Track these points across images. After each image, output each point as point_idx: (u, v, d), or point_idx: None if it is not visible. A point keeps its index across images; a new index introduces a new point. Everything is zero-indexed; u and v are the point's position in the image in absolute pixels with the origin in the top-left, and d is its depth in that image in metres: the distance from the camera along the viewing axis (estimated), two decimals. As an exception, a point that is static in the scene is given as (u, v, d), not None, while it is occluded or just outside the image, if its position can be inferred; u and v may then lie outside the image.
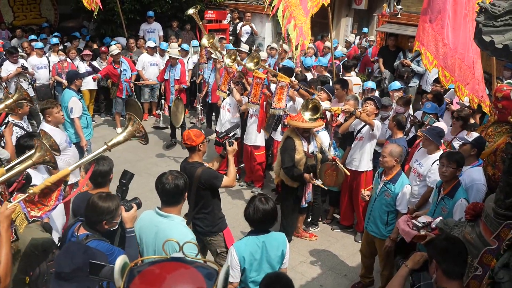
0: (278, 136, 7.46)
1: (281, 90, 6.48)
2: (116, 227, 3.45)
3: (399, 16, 10.14)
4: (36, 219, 2.98)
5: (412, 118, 6.82)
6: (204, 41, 7.05)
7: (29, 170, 3.91)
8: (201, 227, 4.73)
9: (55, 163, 3.18)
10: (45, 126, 5.75)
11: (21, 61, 9.83)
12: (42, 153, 3.02)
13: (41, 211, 2.91)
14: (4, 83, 9.06)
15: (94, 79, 10.33)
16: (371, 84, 7.98)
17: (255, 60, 6.31)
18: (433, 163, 5.32)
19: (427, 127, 5.91)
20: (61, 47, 11.33)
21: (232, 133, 4.99)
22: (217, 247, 4.79)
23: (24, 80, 9.66)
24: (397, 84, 8.07)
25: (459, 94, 5.99)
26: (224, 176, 4.67)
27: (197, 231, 4.66)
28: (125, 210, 3.49)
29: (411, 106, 7.58)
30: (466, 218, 3.64)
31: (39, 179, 4.43)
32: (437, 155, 5.35)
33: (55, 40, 10.90)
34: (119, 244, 3.56)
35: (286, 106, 6.63)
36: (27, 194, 2.83)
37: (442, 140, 6.10)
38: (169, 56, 9.70)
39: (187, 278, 1.64)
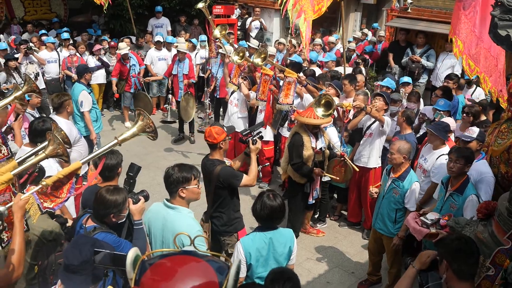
0: (285, 132, 7.45)
1: (288, 86, 6.45)
2: (124, 219, 3.48)
3: (409, 10, 10.06)
4: (48, 210, 3.02)
5: (421, 115, 6.76)
6: (217, 32, 7.02)
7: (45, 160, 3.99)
8: (217, 226, 4.71)
9: (67, 157, 3.20)
10: (60, 120, 5.78)
11: (31, 57, 9.94)
12: (55, 146, 3.05)
13: (53, 203, 2.94)
14: (16, 75, 9.13)
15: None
16: (388, 82, 7.83)
17: (262, 56, 6.29)
18: (437, 158, 5.30)
19: (433, 122, 5.87)
20: (70, 41, 11.38)
21: (257, 131, 4.94)
22: (229, 247, 4.72)
23: (32, 73, 9.74)
24: (407, 79, 7.98)
25: (484, 86, 5.75)
26: (244, 175, 4.61)
27: (213, 230, 4.66)
28: (132, 202, 3.52)
29: (422, 102, 7.52)
30: (478, 217, 3.58)
31: (54, 170, 4.49)
32: (442, 150, 5.34)
33: (65, 35, 10.96)
34: (126, 236, 3.59)
35: (293, 102, 6.61)
36: (40, 186, 2.86)
37: (452, 137, 6.08)
38: (177, 51, 9.71)
39: (198, 272, 1.64)
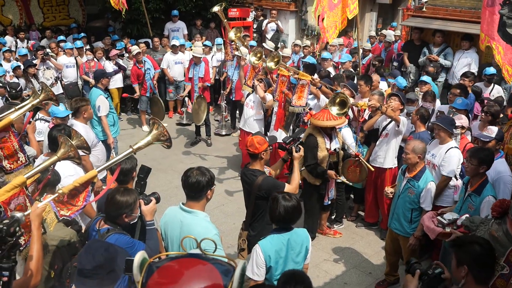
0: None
1: (302, 88, 6.45)
2: (136, 220, 3.54)
3: (424, 9, 9.95)
4: (65, 218, 3.07)
5: (438, 113, 6.69)
6: (232, 34, 7.06)
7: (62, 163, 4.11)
8: (251, 236, 4.69)
9: (79, 159, 3.28)
10: (77, 124, 5.90)
11: (48, 63, 10.15)
12: (66, 149, 3.12)
13: (70, 211, 3.00)
14: (34, 81, 9.33)
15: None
16: (401, 81, 7.79)
17: (275, 60, 6.28)
18: (446, 152, 5.27)
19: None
20: (88, 46, 11.56)
21: (299, 138, 4.93)
22: None
23: (51, 77, 9.94)
24: (426, 78, 7.89)
25: None
26: (286, 184, 4.57)
27: (250, 237, 4.66)
28: (144, 203, 3.57)
29: (438, 101, 7.44)
30: (492, 216, 3.55)
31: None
32: (449, 144, 5.32)
33: (79, 44, 11.13)
34: (139, 237, 3.64)
35: (306, 104, 6.60)
36: (56, 194, 2.92)
37: (470, 137, 6.00)
38: (193, 55, 9.78)
39: (204, 274, 1.66)
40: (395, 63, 10.42)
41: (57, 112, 5.83)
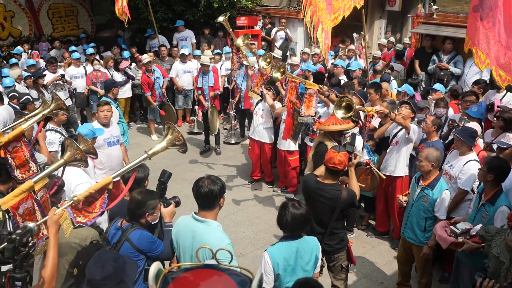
0: (310, 142, 7.43)
1: (310, 98, 6.42)
2: (157, 220, 3.70)
3: (434, 16, 9.92)
4: (81, 225, 3.09)
5: (450, 122, 6.63)
6: (239, 41, 7.05)
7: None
8: (331, 246, 4.63)
9: (86, 161, 3.30)
10: (95, 123, 6.03)
11: (60, 71, 10.19)
12: (72, 152, 3.14)
13: (86, 218, 3.01)
14: (44, 92, 9.38)
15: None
16: (407, 88, 7.77)
17: (281, 70, 6.26)
18: (464, 164, 5.19)
19: (459, 127, 5.74)
20: (97, 56, 11.63)
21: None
22: (342, 262, 4.76)
23: (62, 89, 9.98)
24: (438, 86, 7.84)
25: None
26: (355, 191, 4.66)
27: (326, 251, 4.57)
28: (163, 206, 3.76)
29: (450, 108, 7.38)
30: (508, 225, 3.51)
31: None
32: (469, 156, 5.23)
33: (91, 50, 11.20)
34: (158, 237, 3.80)
35: (315, 113, 6.57)
36: (72, 201, 2.92)
37: (482, 143, 5.93)
38: (201, 64, 9.81)
39: (220, 285, 1.64)
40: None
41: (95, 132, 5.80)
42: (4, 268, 3.98)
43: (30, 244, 2.43)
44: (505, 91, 7.80)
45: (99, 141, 6.11)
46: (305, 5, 6.87)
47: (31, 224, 2.48)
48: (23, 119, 3.92)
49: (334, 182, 4.51)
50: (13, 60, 10.46)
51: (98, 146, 6.04)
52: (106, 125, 6.44)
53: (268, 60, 6.48)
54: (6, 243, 2.34)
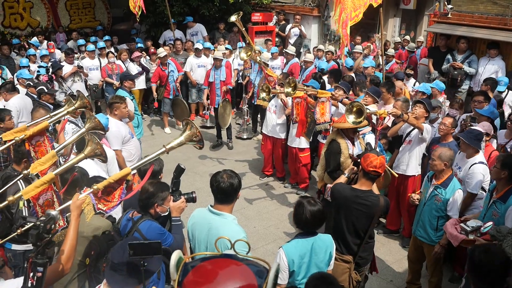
0: (322, 139, 7.46)
1: (323, 105, 6.45)
2: (167, 213, 3.74)
3: (449, 15, 9.86)
4: (101, 211, 3.19)
5: (463, 121, 6.61)
6: (243, 55, 7.13)
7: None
8: (363, 258, 4.46)
9: (105, 157, 3.37)
10: (110, 120, 6.06)
11: (76, 62, 10.31)
12: (93, 146, 3.21)
13: (106, 206, 3.11)
14: (64, 85, 9.51)
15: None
16: (423, 87, 7.74)
17: (292, 85, 6.25)
18: (470, 167, 5.18)
19: (465, 130, 5.72)
20: (112, 49, 11.73)
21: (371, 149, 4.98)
22: (366, 271, 4.66)
23: (78, 79, 10.09)
24: (441, 85, 7.82)
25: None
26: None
27: (358, 264, 4.44)
28: (173, 200, 3.79)
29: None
30: (521, 226, 3.51)
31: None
32: (475, 158, 5.21)
33: (101, 44, 11.28)
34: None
35: (330, 119, 6.58)
36: (91, 190, 3.02)
37: (495, 143, 5.91)
38: (214, 58, 9.85)
39: (238, 275, 1.68)
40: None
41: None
42: (20, 248, 4.15)
43: (53, 231, 2.51)
44: (507, 90, 7.78)
45: (126, 136, 6.27)
46: (336, 3, 6.98)
47: (54, 212, 2.56)
48: (48, 115, 4.02)
49: (370, 188, 4.31)
50: (31, 51, 10.60)
51: (126, 141, 6.26)
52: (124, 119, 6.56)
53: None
54: (31, 229, 2.44)
